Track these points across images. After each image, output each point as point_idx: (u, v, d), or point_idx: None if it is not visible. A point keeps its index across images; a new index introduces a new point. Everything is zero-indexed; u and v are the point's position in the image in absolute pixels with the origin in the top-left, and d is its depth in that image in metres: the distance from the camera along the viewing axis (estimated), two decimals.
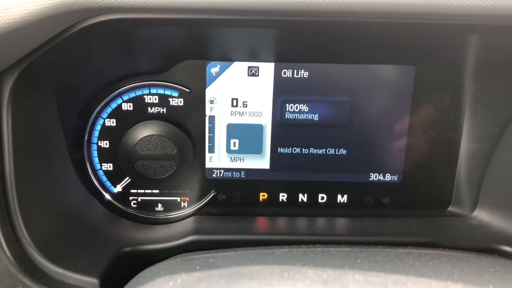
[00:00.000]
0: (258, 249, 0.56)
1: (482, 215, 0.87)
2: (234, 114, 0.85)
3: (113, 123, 0.84)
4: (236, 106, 0.85)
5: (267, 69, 0.83)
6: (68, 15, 0.57)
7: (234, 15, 0.60)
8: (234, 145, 0.87)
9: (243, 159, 0.88)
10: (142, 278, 0.52)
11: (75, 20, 0.59)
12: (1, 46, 0.56)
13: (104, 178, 0.87)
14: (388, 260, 0.51)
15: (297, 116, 0.86)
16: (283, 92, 0.84)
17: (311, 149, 0.87)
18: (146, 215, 0.89)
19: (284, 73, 0.84)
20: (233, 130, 0.86)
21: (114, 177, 0.87)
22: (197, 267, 0.50)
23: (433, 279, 0.46)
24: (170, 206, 0.89)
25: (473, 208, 0.88)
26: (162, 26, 0.65)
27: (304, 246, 0.58)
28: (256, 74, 0.84)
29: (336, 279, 0.41)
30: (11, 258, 0.62)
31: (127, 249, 0.77)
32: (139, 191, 0.88)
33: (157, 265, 0.57)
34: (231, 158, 0.88)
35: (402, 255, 0.54)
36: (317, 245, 0.59)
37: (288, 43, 0.79)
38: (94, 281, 0.66)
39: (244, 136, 0.87)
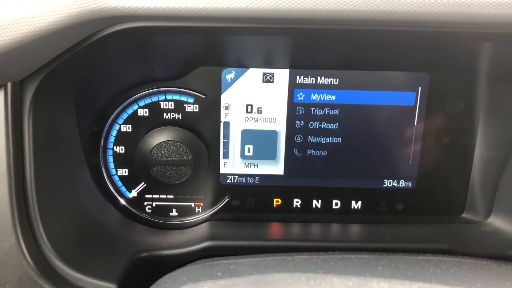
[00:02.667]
0: (277, 256, 0.57)
1: (496, 221, 0.87)
2: (248, 120, 0.86)
3: (129, 128, 0.85)
4: (251, 112, 0.85)
5: (282, 75, 0.84)
6: (90, 23, 0.58)
7: (253, 23, 0.60)
8: (249, 151, 0.87)
9: (257, 165, 0.88)
10: (164, 285, 0.52)
11: (96, 28, 0.60)
12: (25, 54, 0.57)
13: (119, 183, 0.88)
14: (409, 267, 0.51)
15: (311, 122, 0.86)
16: (298, 98, 0.85)
17: (325, 155, 0.88)
18: (160, 220, 0.89)
19: (299, 79, 0.84)
20: (247, 136, 0.87)
21: (130, 183, 0.88)
22: (219, 274, 0.51)
23: (455, 286, 0.46)
24: (185, 212, 0.90)
25: (488, 214, 0.88)
26: (182, 34, 0.65)
27: (323, 253, 0.58)
28: (271, 80, 0.84)
29: (361, 287, 0.41)
30: (31, 263, 0.63)
31: (144, 254, 0.77)
32: (154, 196, 0.89)
33: (177, 271, 0.57)
34: (245, 164, 0.88)
35: (422, 263, 0.54)
36: (336, 252, 0.59)
37: (304, 50, 0.79)
38: (112, 286, 0.66)
39: (259, 142, 0.87)
